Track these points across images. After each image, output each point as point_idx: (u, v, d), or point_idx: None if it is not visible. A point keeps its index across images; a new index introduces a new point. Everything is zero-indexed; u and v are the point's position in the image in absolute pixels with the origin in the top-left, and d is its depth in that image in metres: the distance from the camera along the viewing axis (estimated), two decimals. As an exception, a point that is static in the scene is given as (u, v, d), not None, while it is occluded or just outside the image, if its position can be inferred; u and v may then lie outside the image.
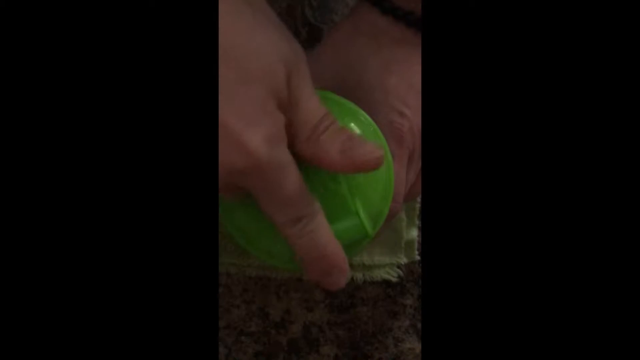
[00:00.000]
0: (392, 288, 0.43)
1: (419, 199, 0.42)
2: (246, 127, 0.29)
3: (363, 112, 0.37)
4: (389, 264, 0.42)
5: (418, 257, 0.42)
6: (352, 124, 0.36)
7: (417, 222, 0.42)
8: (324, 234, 0.32)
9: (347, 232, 0.35)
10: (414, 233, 0.42)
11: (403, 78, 0.37)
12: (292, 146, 0.32)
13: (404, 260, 0.42)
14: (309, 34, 0.45)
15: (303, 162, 0.32)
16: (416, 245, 0.42)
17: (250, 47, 0.30)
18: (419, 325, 0.42)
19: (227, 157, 0.29)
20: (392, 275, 0.42)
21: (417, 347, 0.42)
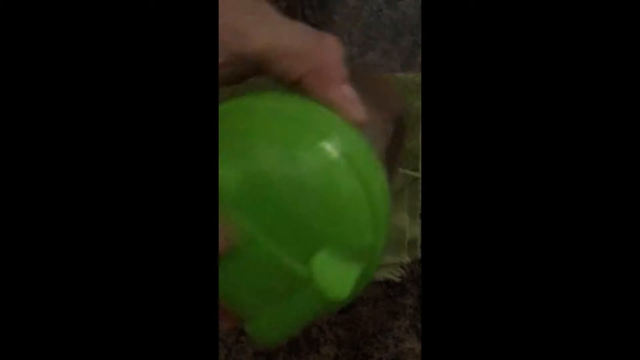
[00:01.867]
0: (392, 288, 0.43)
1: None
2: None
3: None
4: (392, 264, 0.42)
5: (420, 255, 0.42)
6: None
7: (419, 220, 0.42)
8: None
9: (305, 308, 0.25)
10: (417, 231, 0.42)
11: None
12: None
13: (407, 259, 0.42)
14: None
15: None
16: (419, 243, 0.42)
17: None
18: (419, 325, 0.42)
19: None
20: (396, 275, 0.42)
21: (417, 347, 0.42)
